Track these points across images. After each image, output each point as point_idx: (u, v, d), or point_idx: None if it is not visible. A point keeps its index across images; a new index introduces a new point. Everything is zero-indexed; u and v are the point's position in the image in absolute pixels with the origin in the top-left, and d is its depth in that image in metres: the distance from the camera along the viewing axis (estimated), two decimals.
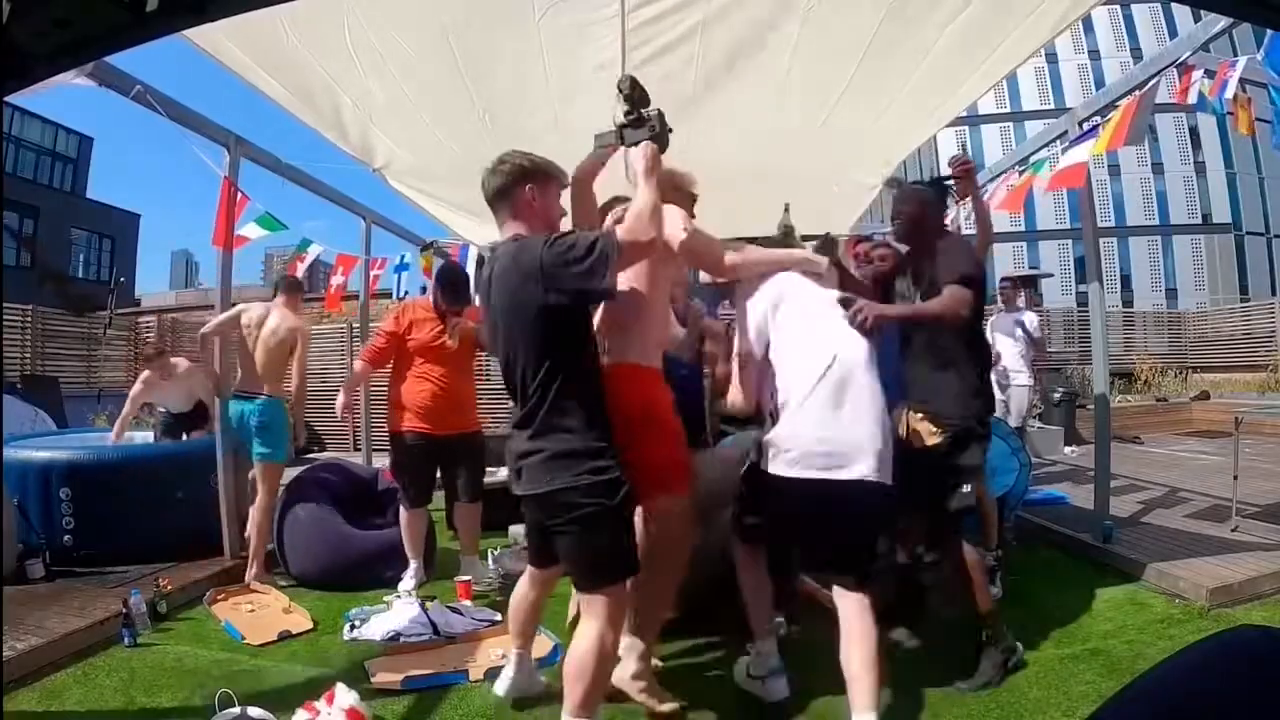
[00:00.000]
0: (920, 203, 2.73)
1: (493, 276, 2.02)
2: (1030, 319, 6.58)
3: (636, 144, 2.07)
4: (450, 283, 3.82)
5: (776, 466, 2.16)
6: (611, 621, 1.93)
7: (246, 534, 3.90)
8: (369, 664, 2.71)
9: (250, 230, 4.28)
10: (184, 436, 5.28)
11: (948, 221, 3.10)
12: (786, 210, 3.47)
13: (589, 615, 1.95)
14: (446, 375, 3.66)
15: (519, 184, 2.03)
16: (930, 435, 2.54)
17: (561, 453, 1.90)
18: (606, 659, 1.93)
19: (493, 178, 2.05)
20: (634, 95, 2.04)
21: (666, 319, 2.56)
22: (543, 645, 2.78)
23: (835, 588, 2.17)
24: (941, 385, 2.56)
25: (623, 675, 2.28)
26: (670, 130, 2.06)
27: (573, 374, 1.94)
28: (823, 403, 2.12)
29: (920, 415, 2.58)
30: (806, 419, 2.12)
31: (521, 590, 2.33)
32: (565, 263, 1.85)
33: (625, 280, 2.17)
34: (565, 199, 2.25)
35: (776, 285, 2.37)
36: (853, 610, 2.09)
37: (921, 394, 2.61)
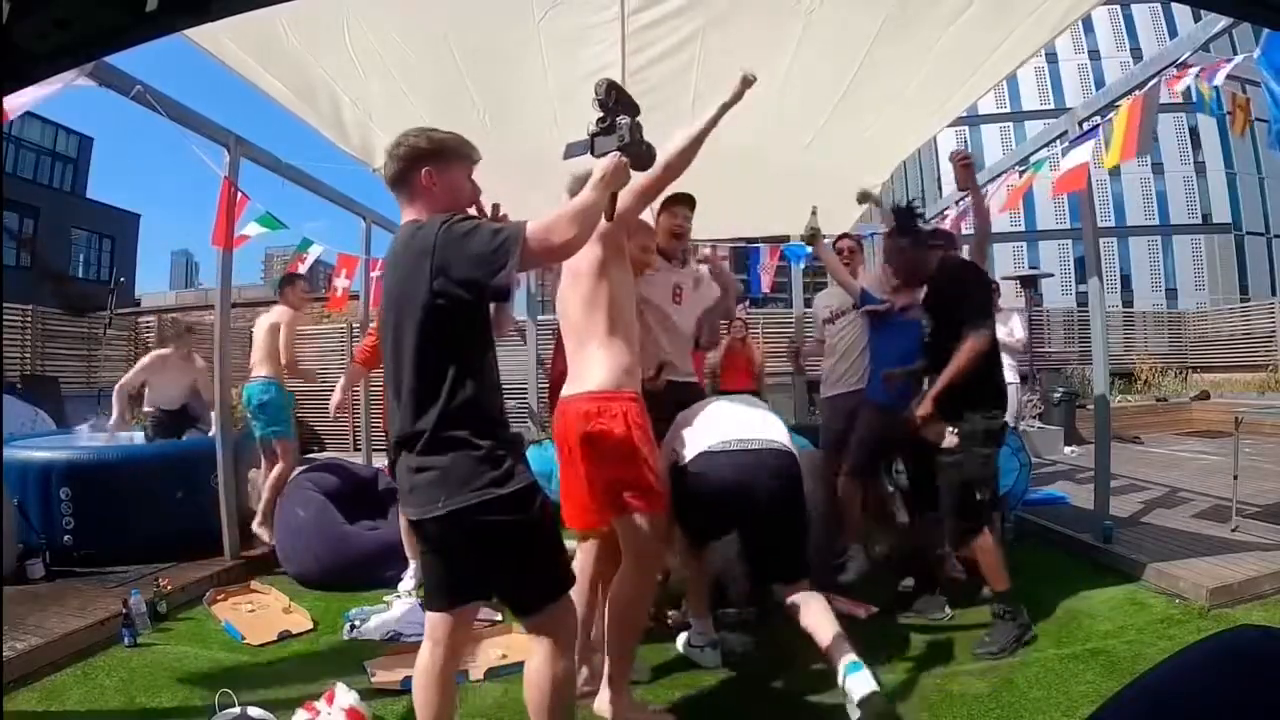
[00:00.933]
0: (901, 250, 3.05)
1: (386, 264, 1.85)
2: (1015, 322, 6.56)
3: (605, 155, 1.84)
4: None
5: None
6: (561, 644, 1.75)
7: (255, 524, 4.22)
8: (369, 664, 2.71)
9: (251, 229, 4.29)
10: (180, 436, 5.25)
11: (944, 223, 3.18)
12: (814, 213, 3.48)
13: (535, 642, 1.76)
14: None
15: (414, 167, 1.81)
16: (948, 435, 2.69)
17: (460, 466, 1.65)
18: (564, 683, 1.76)
19: (389, 163, 1.84)
20: (607, 101, 1.84)
21: (634, 339, 2.30)
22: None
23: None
24: (957, 388, 2.72)
25: (601, 703, 2.25)
26: (647, 145, 1.86)
27: (465, 374, 1.67)
28: None
29: (937, 416, 2.69)
30: None
31: (423, 662, 1.82)
32: (459, 246, 1.62)
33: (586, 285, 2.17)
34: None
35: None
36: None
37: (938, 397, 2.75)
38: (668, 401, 2.59)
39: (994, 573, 2.74)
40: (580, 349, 2.21)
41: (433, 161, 1.82)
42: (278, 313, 4.54)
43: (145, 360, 5.18)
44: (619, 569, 2.20)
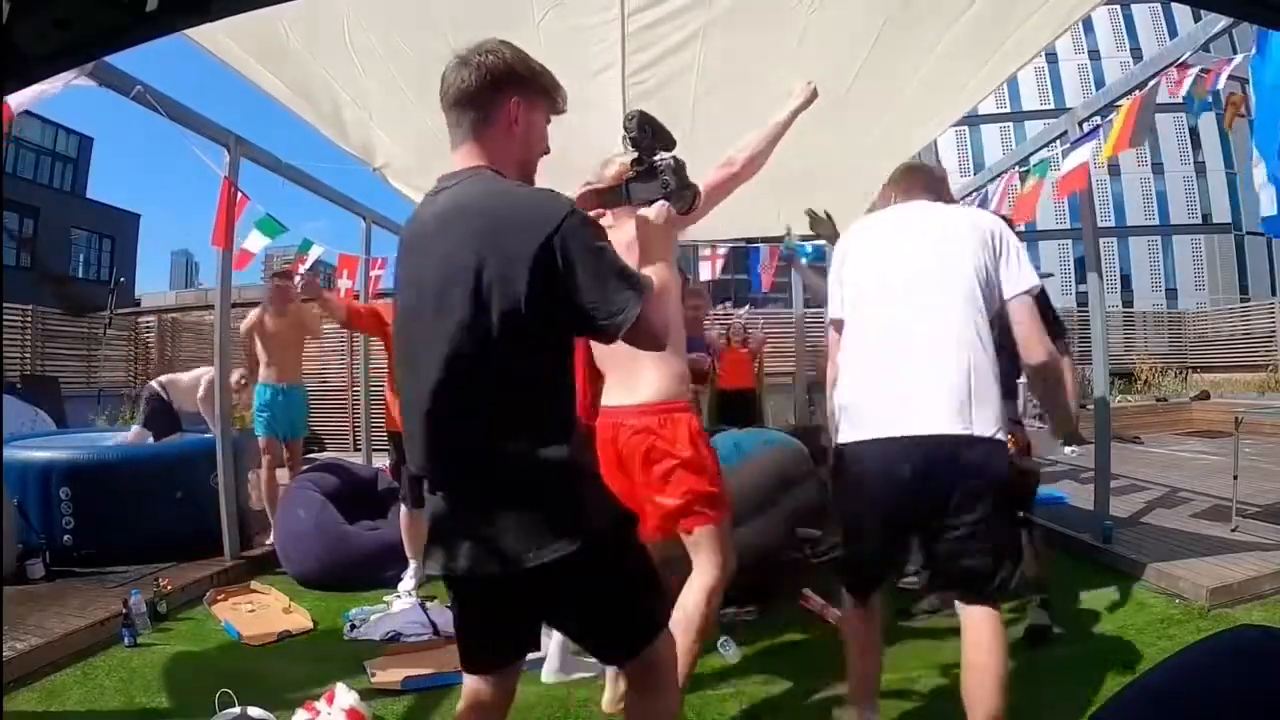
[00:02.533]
0: None
1: (430, 223, 1.33)
2: None
3: (648, 203, 1.53)
4: None
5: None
6: (668, 683, 1.47)
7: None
8: (369, 664, 2.71)
9: (252, 242, 4.31)
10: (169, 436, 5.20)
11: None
12: (789, 233, 3.46)
13: (638, 685, 1.47)
14: None
15: (501, 90, 1.35)
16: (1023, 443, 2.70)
17: (556, 501, 1.29)
18: None
19: (463, 71, 1.34)
20: (642, 139, 1.53)
21: (681, 346, 2.17)
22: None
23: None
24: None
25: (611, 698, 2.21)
26: (692, 188, 1.55)
27: (558, 382, 1.34)
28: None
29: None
30: None
31: None
32: (587, 260, 1.24)
33: None
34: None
35: None
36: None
37: None
38: None
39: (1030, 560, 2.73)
40: (632, 357, 1.92)
41: (523, 91, 1.38)
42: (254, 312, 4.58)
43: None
44: (685, 581, 2.08)
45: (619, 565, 1.38)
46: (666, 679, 1.46)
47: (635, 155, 1.58)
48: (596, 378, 2.28)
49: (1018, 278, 1.87)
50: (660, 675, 1.44)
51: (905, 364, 1.80)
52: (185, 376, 5.54)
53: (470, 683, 1.45)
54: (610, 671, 2.27)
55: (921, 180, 2.12)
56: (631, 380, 2.05)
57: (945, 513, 1.77)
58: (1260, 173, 2.90)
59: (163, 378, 5.67)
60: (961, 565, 1.79)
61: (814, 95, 2.20)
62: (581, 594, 1.34)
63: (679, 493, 2.00)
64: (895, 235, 1.98)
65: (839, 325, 2.01)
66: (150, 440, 5.06)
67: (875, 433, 1.81)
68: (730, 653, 2.67)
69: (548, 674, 2.56)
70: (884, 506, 1.84)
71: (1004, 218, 3.10)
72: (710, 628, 2.11)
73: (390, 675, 2.59)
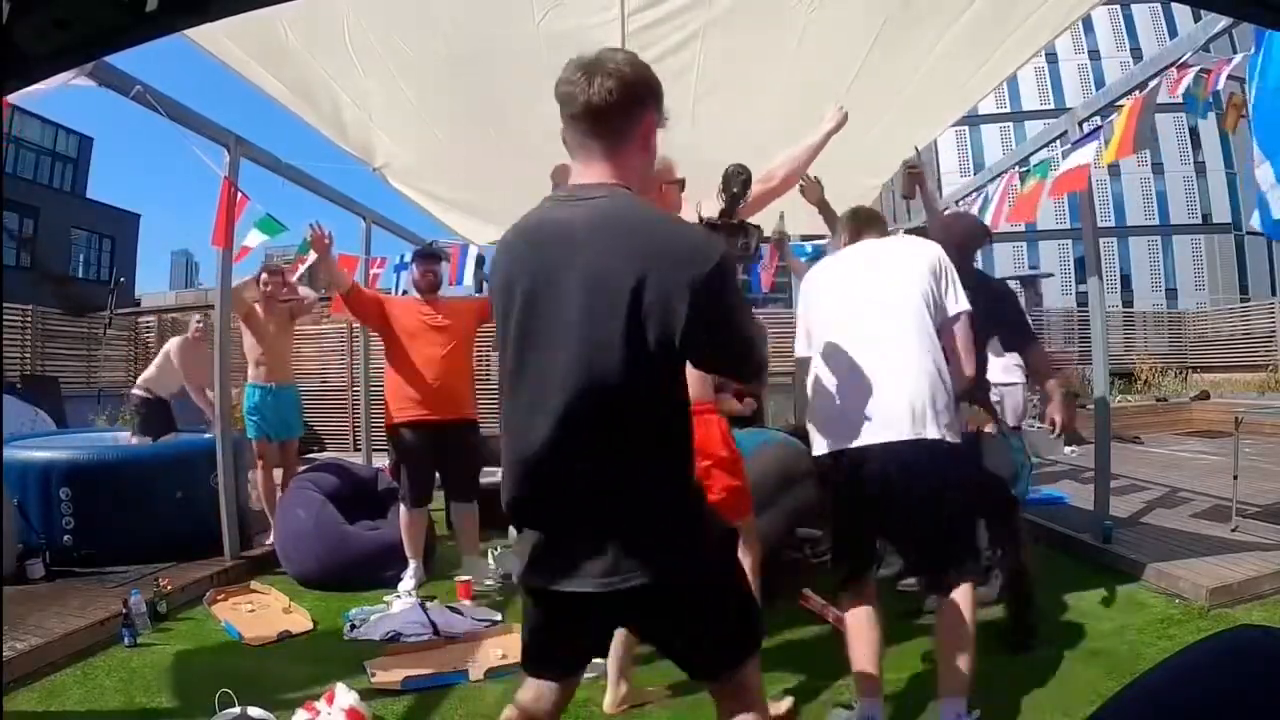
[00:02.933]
0: (971, 233, 3.06)
1: (577, 230, 1.26)
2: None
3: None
4: (427, 254, 3.96)
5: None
6: (759, 703, 1.43)
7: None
8: (369, 664, 2.71)
9: (252, 238, 4.30)
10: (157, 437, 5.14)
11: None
12: (781, 218, 3.47)
13: (732, 708, 1.39)
14: (436, 361, 3.64)
15: (643, 105, 1.31)
16: (987, 423, 2.75)
17: (674, 516, 1.29)
18: None
19: (600, 80, 1.26)
20: (741, 195, 1.56)
21: None
22: None
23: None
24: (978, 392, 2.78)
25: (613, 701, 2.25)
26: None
27: (684, 395, 1.33)
28: None
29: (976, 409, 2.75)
30: None
31: None
32: (726, 308, 1.25)
33: None
34: None
35: None
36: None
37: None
38: None
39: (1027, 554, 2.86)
40: None
41: (656, 108, 1.35)
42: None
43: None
44: None
45: (726, 583, 1.39)
46: (756, 699, 1.42)
47: (726, 207, 1.68)
48: None
49: (956, 301, 2.14)
50: (751, 695, 1.41)
51: (872, 381, 2.02)
52: (152, 367, 5.50)
53: (536, 687, 1.43)
54: (612, 674, 2.27)
55: (866, 223, 2.40)
56: None
57: (908, 509, 2.03)
58: (1267, 174, 2.88)
59: (140, 379, 5.59)
60: (926, 557, 2.13)
61: (845, 119, 2.37)
62: (690, 611, 1.32)
63: (717, 490, 2.13)
64: (851, 273, 2.24)
65: (804, 363, 2.24)
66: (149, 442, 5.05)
67: (848, 442, 2.03)
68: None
69: None
70: (858, 505, 2.12)
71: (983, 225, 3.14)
72: None
73: (390, 675, 2.59)
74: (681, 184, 2.41)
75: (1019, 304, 3.03)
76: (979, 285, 2.91)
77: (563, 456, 1.25)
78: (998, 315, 2.84)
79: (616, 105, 1.27)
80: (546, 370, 1.25)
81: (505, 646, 2.83)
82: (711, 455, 2.15)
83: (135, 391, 5.49)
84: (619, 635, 2.21)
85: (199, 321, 5.49)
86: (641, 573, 1.23)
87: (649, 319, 1.20)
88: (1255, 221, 3.01)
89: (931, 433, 1.96)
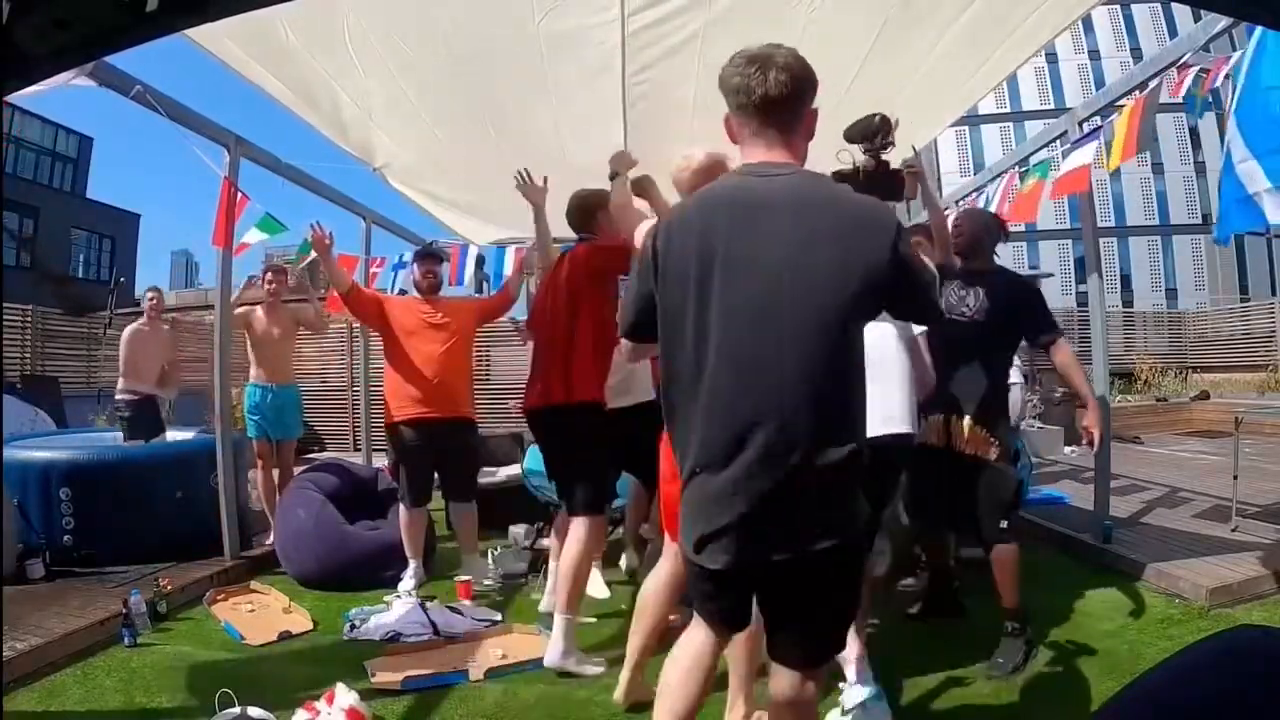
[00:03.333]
0: (984, 225, 2.99)
1: (778, 202, 1.37)
2: None
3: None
4: (428, 254, 3.94)
5: None
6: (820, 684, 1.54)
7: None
8: (369, 664, 2.71)
9: (251, 236, 4.30)
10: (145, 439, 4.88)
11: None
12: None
13: (806, 686, 1.47)
14: (435, 358, 3.64)
15: (807, 97, 1.45)
16: (990, 447, 2.66)
17: (854, 488, 1.37)
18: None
19: (774, 73, 1.39)
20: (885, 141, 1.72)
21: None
22: (536, 646, 2.79)
23: None
24: (993, 401, 2.73)
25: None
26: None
27: (862, 377, 1.42)
28: None
29: (979, 427, 2.68)
30: None
31: (696, 647, 1.55)
32: (916, 266, 1.43)
33: None
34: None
35: None
36: None
37: (979, 409, 2.70)
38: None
39: (1008, 588, 2.66)
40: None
41: (813, 101, 1.48)
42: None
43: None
44: None
45: (860, 564, 1.51)
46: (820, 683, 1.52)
47: (873, 153, 1.74)
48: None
49: None
50: (819, 687, 1.51)
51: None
52: (120, 363, 5.21)
53: (704, 634, 1.54)
54: (628, 662, 2.29)
55: None
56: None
57: None
58: (1254, 172, 2.80)
59: (119, 384, 5.23)
60: None
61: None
62: (835, 584, 1.40)
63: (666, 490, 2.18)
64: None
65: None
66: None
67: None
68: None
69: (550, 660, 2.60)
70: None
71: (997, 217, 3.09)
72: None
73: (390, 675, 2.59)
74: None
75: (1043, 300, 2.97)
76: (1004, 280, 2.88)
77: (775, 422, 1.30)
78: (1021, 311, 2.80)
79: (790, 96, 1.41)
80: (754, 331, 1.33)
81: (505, 646, 2.84)
82: None
83: (118, 396, 5.23)
84: (648, 628, 2.24)
85: (151, 298, 5.27)
86: (827, 536, 1.32)
87: (860, 281, 1.32)
88: (1217, 211, 2.97)
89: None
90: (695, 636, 1.56)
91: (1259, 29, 2.74)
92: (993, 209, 4.67)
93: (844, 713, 2.20)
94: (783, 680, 1.46)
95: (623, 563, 3.83)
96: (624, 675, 2.31)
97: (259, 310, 4.52)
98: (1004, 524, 2.67)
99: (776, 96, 1.39)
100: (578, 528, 2.75)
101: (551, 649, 2.63)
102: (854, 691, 2.19)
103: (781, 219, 1.35)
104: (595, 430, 2.79)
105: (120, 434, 5.11)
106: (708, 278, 1.36)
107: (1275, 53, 2.75)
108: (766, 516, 1.31)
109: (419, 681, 2.55)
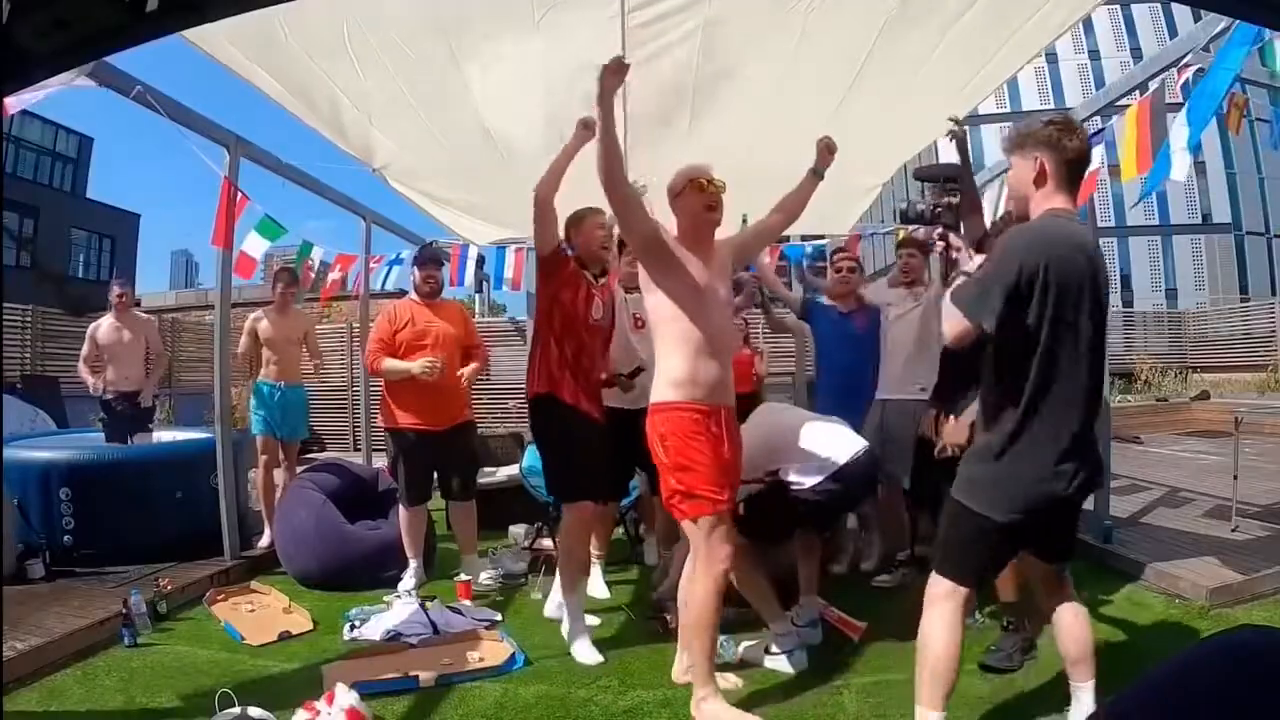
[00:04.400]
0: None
1: (1086, 243, 1.85)
2: None
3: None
4: (430, 259, 3.94)
5: None
6: None
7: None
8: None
9: (252, 244, 4.30)
10: (130, 440, 4.81)
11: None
12: (744, 221, 3.53)
13: (1064, 591, 2.11)
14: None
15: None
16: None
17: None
18: None
19: (1078, 139, 1.88)
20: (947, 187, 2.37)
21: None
22: (501, 652, 2.78)
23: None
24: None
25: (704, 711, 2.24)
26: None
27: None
28: None
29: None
30: None
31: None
32: None
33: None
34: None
35: None
36: None
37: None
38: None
39: (1006, 583, 2.66)
40: (730, 363, 2.55)
41: None
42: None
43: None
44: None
45: None
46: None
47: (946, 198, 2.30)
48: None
49: None
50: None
51: None
52: (81, 360, 5.10)
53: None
54: (682, 642, 2.42)
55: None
56: (729, 378, 2.47)
57: None
58: (1180, 135, 3.08)
59: (91, 385, 5.06)
60: None
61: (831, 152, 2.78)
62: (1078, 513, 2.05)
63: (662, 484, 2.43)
64: None
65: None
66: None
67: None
68: (730, 653, 2.67)
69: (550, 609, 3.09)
70: None
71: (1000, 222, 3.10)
72: (708, 618, 2.36)
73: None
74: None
75: None
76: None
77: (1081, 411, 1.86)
78: None
79: (1073, 161, 1.87)
80: (1080, 351, 1.82)
81: (453, 656, 2.74)
82: None
83: (95, 395, 5.08)
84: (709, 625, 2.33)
85: (119, 294, 5.12)
86: (1099, 475, 1.96)
87: (1099, 297, 1.85)
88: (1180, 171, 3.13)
89: None
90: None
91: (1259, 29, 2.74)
92: (992, 210, 4.67)
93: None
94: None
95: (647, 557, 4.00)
96: (679, 656, 2.51)
97: (265, 320, 4.51)
98: None
99: (1078, 158, 1.90)
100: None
101: (564, 624, 2.88)
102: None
103: (1088, 260, 1.87)
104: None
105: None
106: (1053, 305, 1.83)
107: (1243, 45, 2.81)
108: None
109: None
